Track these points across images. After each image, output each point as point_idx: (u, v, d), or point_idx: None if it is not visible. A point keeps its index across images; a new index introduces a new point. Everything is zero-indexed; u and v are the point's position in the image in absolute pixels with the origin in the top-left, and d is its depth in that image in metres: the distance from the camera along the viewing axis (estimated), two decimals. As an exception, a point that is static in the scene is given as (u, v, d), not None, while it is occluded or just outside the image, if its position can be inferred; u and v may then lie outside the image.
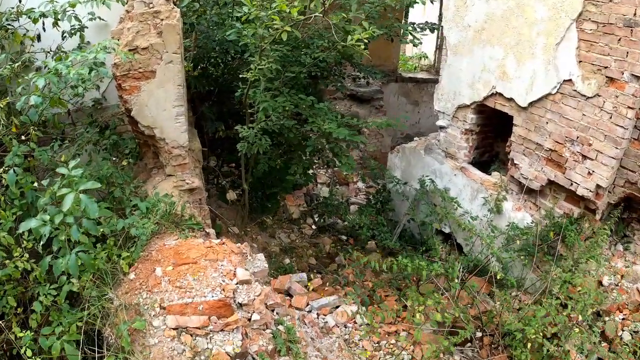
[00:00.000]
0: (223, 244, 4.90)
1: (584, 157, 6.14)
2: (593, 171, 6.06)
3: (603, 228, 6.31)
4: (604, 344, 5.96)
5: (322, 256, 8.35)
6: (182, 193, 5.78)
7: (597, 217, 6.57)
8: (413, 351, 6.03)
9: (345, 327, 6.22)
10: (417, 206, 8.18)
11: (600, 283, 6.53)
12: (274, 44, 6.08)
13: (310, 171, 9.64)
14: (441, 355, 6.00)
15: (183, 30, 6.47)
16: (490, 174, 7.73)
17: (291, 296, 6.85)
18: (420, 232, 8.32)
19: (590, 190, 6.16)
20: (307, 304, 6.60)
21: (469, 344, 6.42)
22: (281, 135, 6.70)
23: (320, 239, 8.68)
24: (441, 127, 8.03)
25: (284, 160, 7.38)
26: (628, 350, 6.01)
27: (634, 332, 6.18)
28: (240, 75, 5.99)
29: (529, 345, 5.37)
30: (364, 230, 7.36)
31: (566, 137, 6.25)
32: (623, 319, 6.21)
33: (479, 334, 6.47)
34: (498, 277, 6.08)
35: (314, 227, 8.93)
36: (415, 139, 9.03)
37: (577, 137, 6.12)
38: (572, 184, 6.36)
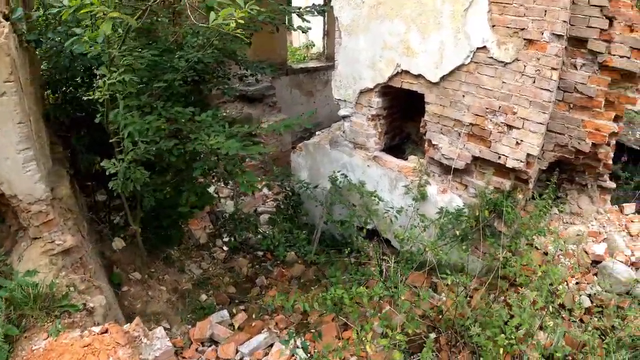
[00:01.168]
0: (106, 331, 3.72)
1: (510, 127, 5.57)
2: (521, 140, 5.51)
3: (542, 198, 5.78)
4: (563, 314, 5.44)
5: (241, 281, 7.29)
6: (55, 258, 4.54)
7: (530, 186, 6.03)
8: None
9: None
10: (332, 206, 7.29)
11: (545, 253, 6.01)
12: (134, 49, 4.89)
13: (212, 188, 8.55)
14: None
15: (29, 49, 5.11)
16: (406, 159, 6.98)
17: (216, 343, 5.78)
18: (342, 233, 7.46)
19: (521, 161, 5.62)
20: (237, 351, 5.55)
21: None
22: (163, 160, 5.51)
23: (235, 262, 7.60)
24: (344, 117, 7.17)
25: (174, 185, 6.17)
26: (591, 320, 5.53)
27: (591, 295, 5.71)
28: (84, 97, 4.73)
29: (501, 351, 4.65)
30: (280, 249, 6.37)
31: (487, 108, 5.63)
32: (577, 283, 5.71)
33: (433, 335, 5.72)
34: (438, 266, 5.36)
35: (225, 248, 7.81)
36: (317, 133, 8.12)
37: (499, 107, 5.51)
38: (499, 157, 5.76)
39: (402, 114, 7.51)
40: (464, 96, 5.77)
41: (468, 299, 6.05)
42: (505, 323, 4.96)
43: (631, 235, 6.39)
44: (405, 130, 7.82)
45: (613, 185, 6.51)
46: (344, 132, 7.29)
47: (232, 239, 7.57)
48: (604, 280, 5.69)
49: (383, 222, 6.78)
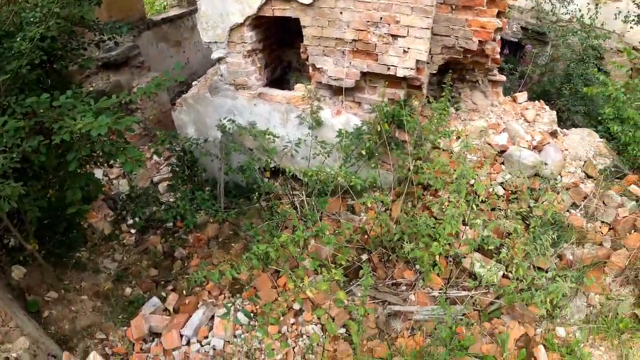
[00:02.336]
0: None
1: (394, 36, 5.42)
2: (408, 48, 5.39)
3: (439, 101, 5.73)
4: (481, 204, 5.50)
5: (160, 260, 6.81)
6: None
7: (424, 91, 5.93)
8: (319, 319, 5.01)
9: (237, 338, 4.97)
10: (229, 156, 6.85)
11: (451, 153, 6.02)
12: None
13: (100, 172, 7.79)
14: (346, 302, 5.11)
15: None
16: (292, 89, 6.60)
17: (159, 335, 5.37)
18: (245, 180, 7.07)
19: (411, 69, 5.51)
20: (181, 336, 5.18)
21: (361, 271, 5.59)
22: (33, 163, 4.80)
23: (148, 241, 7.06)
24: (219, 59, 6.60)
25: (56, 186, 5.45)
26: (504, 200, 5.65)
27: (502, 183, 5.82)
28: None
29: (437, 258, 4.62)
30: (189, 217, 5.91)
31: (368, 21, 5.43)
32: (488, 174, 5.77)
33: (364, 257, 5.64)
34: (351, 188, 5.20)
35: (133, 231, 7.22)
36: (193, 83, 7.48)
37: (381, 18, 5.33)
38: (389, 69, 5.60)
39: (279, 42, 7.05)
40: (341, 13, 5.46)
41: (388, 212, 5.98)
42: (432, 227, 4.92)
43: (528, 122, 6.53)
44: (286, 59, 7.39)
45: (503, 78, 6.59)
46: (221, 75, 6.74)
47: (137, 219, 6.97)
48: (511, 168, 5.78)
49: (284, 158, 6.46)
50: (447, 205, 5.17)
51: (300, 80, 6.73)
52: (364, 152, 5.72)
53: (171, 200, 7.53)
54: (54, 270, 6.42)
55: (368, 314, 4.75)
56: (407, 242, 4.71)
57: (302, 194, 6.30)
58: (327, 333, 4.62)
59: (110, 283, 6.44)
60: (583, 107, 9.20)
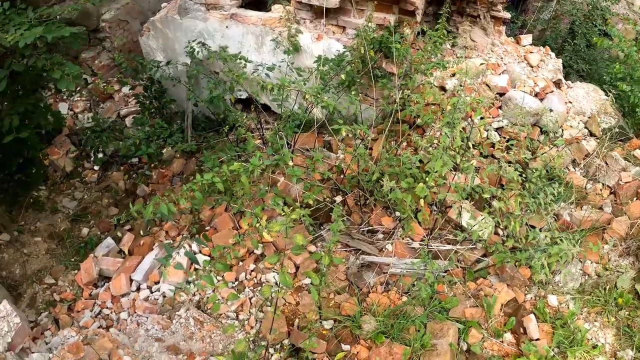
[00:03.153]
0: None
1: None
2: None
3: (436, 29, 4.92)
4: (474, 150, 4.84)
5: (121, 197, 6.18)
6: None
7: (418, 19, 5.13)
8: (282, 264, 4.39)
9: (191, 284, 4.36)
10: (197, 84, 6.10)
11: (443, 89, 5.27)
12: None
13: (64, 106, 7.12)
14: (312, 247, 4.49)
15: None
16: (270, 10, 5.79)
17: (110, 279, 4.80)
18: (214, 111, 6.36)
19: None
20: (131, 281, 4.59)
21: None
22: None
23: (110, 179, 6.42)
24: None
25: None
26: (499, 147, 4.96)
27: (498, 129, 5.12)
28: None
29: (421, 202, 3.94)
30: (143, 148, 5.22)
31: None
32: (481, 118, 5.06)
33: (338, 198, 4.97)
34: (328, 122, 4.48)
35: (96, 168, 6.55)
36: (162, 5, 6.64)
37: None
38: None
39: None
40: None
41: (368, 151, 5.29)
42: (417, 169, 4.24)
43: (531, 67, 5.76)
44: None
45: (508, 15, 5.73)
46: (191, -6, 5.93)
47: (99, 154, 6.30)
48: (510, 113, 5.06)
49: (256, 87, 5.70)
50: (438, 144, 4.49)
51: (279, 1, 5.91)
52: (343, 77, 4.96)
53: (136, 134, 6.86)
54: (10, 210, 5.81)
55: (337, 264, 4.13)
56: (387, 181, 4.02)
57: (274, 128, 5.59)
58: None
59: (68, 223, 5.85)
60: (585, 66, 8.64)
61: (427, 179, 3.87)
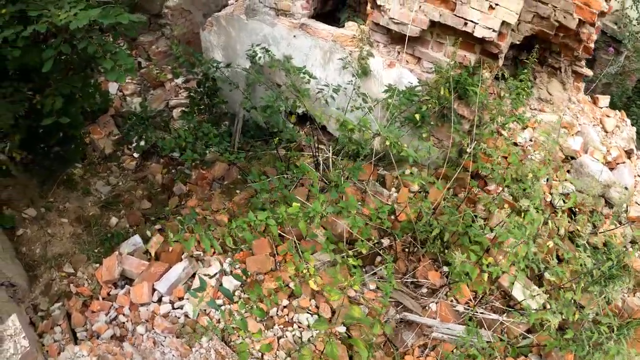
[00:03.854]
0: None
1: None
2: (496, 4, 4.16)
3: (520, 80, 4.45)
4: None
5: (156, 192, 5.81)
6: None
7: (500, 62, 4.67)
8: (318, 308, 3.95)
9: (217, 310, 3.95)
10: (254, 90, 5.70)
11: (514, 144, 4.79)
12: None
13: (115, 90, 6.81)
14: (352, 292, 4.04)
15: None
16: (343, 27, 5.37)
17: (132, 281, 4.42)
18: (268, 120, 5.96)
19: (494, 30, 4.24)
20: (153, 290, 4.20)
21: (380, 259, 4.49)
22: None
23: (148, 169, 6.06)
24: (260, -23, 5.39)
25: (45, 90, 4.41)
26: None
27: (564, 194, 4.61)
28: None
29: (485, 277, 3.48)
30: (188, 152, 4.80)
31: None
32: (547, 180, 4.57)
33: (385, 241, 4.54)
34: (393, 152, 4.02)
35: (136, 155, 6.20)
36: (230, 2, 6.27)
37: None
38: (466, 24, 4.37)
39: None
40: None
41: (424, 193, 4.84)
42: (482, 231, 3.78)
43: (606, 132, 5.25)
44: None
45: (589, 72, 5.23)
46: (262, -3, 5.54)
47: (141, 142, 5.92)
48: (579, 179, 4.58)
49: (316, 104, 5.28)
50: (507, 210, 4.04)
51: (353, 19, 5.48)
52: (417, 118, 4.50)
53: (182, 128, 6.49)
54: (41, 184, 5.48)
55: (386, 333, 3.67)
56: (450, 243, 3.56)
57: (329, 151, 5.17)
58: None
59: (97, 209, 5.48)
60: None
61: (496, 252, 3.41)
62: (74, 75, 4.44)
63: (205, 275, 4.21)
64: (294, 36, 5.38)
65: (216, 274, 4.07)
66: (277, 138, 5.45)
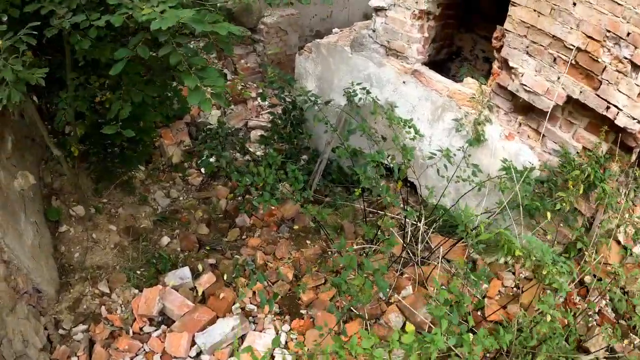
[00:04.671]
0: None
1: (636, 66, 3.23)
2: None
3: None
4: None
5: (217, 217, 5.10)
6: None
7: (633, 157, 3.77)
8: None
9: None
10: (344, 130, 4.94)
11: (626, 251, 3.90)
12: None
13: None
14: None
15: None
16: (461, 81, 4.58)
17: (170, 322, 3.69)
18: (353, 166, 5.21)
19: (638, 122, 3.28)
20: (192, 343, 3.45)
21: None
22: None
23: (213, 190, 5.36)
24: (378, 9, 4.70)
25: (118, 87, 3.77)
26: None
27: None
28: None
29: None
30: (266, 195, 4.00)
31: (607, 31, 3.33)
32: None
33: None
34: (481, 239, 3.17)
35: (203, 171, 5.53)
36: (334, 30, 5.59)
37: (628, 34, 3.27)
38: (608, 108, 3.49)
39: (457, 18, 5.02)
40: (575, 5, 3.40)
41: (518, 290, 3.97)
42: None
43: None
44: (457, 43, 5.35)
45: None
46: (373, 31, 4.82)
47: (210, 159, 5.24)
48: None
49: (414, 161, 4.47)
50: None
51: (473, 74, 4.69)
52: (538, 207, 3.63)
53: (258, 153, 5.79)
54: (97, 182, 4.86)
55: None
56: None
57: (418, 219, 4.32)
58: None
59: (150, 222, 4.81)
60: None
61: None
62: (150, 81, 3.79)
63: (257, 340, 3.42)
64: (403, 82, 4.62)
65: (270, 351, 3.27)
66: (361, 189, 4.70)
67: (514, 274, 4.23)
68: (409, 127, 4.26)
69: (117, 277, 4.14)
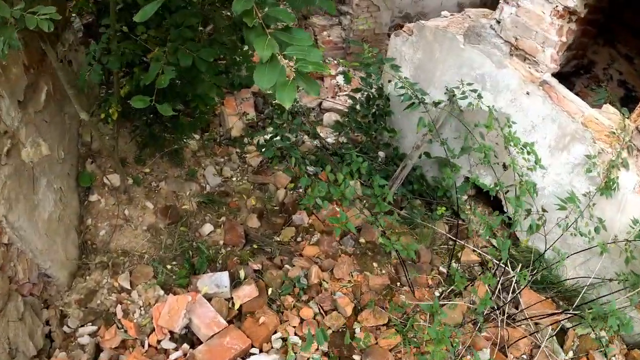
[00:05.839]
0: None
1: None
2: None
3: None
4: None
5: (272, 209, 4.20)
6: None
7: None
8: None
9: None
10: (437, 133, 3.88)
11: None
12: None
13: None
14: None
15: None
16: (597, 106, 3.44)
17: (195, 342, 2.85)
18: (439, 178, 4.20)
19: None
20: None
21: None
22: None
23: (272, 176, 4.44)
24: (509, -3, 3.56)
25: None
26: None
27: None
28: None
29: None
30: (343, 216, 3.00)
31: None
32: None
33: None
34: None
35: (264, 151, 4.61)
36: (443, 13, 4.46)
37: None
38: None
39: (598, 27, 3.83)
40: None
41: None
42: None
43: None
44: (588, 56, 4.15)
45: None
46: (498, 22, 3.71)
47: (276, 138, 4.29)
48: None
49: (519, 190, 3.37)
50: None
51: (614, 101, 3.53)
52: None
53: (329, 140, 4.83)
54: (141, 149, 4.03)
55: None
56: None
57: (511, 267, 3.29)
58: None
59: (194, 204, 3.96)
60: None
61: None
62: (214, 41, 2.85)
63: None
64: (527, 93, 3.50)
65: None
66: (445, 207, 3.71)
67: (605, 355, 3.17)
68: (528, 153, 3.17)
69: (143, 271, 3.32)
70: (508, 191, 3.26)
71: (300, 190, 4.33)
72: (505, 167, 3.49)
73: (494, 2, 4.10)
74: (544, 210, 3.39)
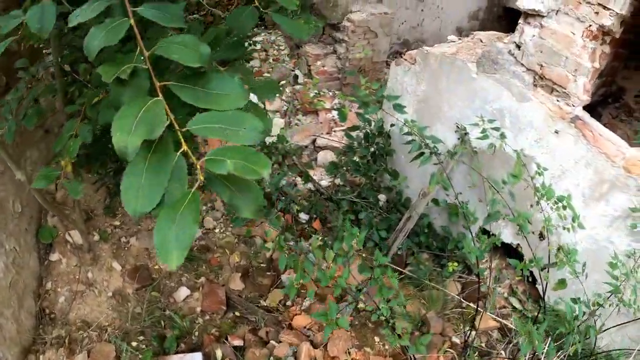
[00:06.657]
0: None
1: None
2: None
3: None
4: None
5: (259, 266, 3.53)
6: None
7: None
8: None
9: None
10: (451, 185, 3.20)
11: None
12: None
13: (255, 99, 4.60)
14: None
15: None
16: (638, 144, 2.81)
17: None
18: (449, 227, 3.54)
19: None
20: None
21: None
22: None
23: (260, 225, 3.77)
24: (529, 15, 2.94)
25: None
26: None
27: None
28: None
29: None
30: (342, 282, 2.35)
31: None
32: None
33: None
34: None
35: (250, 195, 3.95)
36: (449, 38, 3.85)
37: None
38: None
39: (630, 48, 3.22)
40: None
41: None
42: None
43: None
44: (620, 82, 3.54)
45: None
46: (518, 47, 3.07)
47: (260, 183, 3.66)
48: None
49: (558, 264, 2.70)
50: None
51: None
52: None
53: (323, 182, 4.19)
54: (111, 198, 3.38)
55: None
56: None
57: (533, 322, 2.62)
58: None
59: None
60: None
61: None
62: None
63: None
64: (555, 131, 2.86)
65: None
66: (454, 264, 3.03)
67: None
68: (563, 208, 2.50)
69: (103, 350, 2.64)
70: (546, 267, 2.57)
71: (291, 243, 3.66)
72: (542, 236, 2.79)
73: (493, 26, 3.50)
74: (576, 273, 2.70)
